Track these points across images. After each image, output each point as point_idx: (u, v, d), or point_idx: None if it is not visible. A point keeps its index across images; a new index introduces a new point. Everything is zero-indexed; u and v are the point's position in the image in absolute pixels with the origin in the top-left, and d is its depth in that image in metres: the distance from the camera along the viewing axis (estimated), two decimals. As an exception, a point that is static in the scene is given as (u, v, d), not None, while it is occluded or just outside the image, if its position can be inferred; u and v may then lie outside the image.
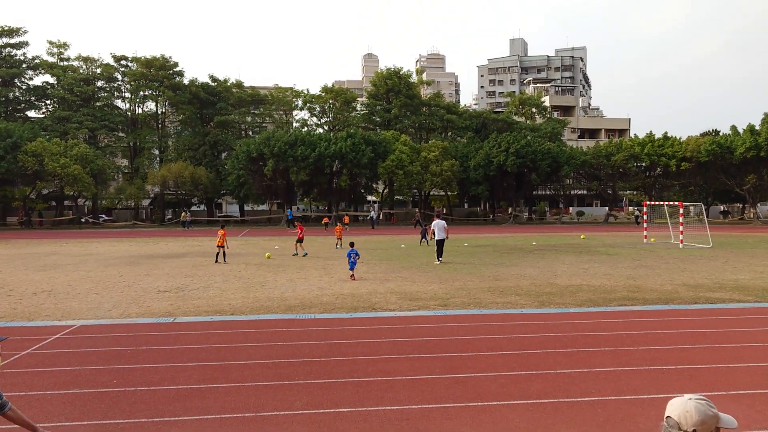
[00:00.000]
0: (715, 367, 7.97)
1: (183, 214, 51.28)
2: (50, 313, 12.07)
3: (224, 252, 21.69)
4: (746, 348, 8.99)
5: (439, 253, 21.24)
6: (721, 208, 69.53)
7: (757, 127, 51.54)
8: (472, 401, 6.70)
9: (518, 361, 8.32)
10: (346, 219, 48.47)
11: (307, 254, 24.33)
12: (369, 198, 68.15)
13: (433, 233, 21.81)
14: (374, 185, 61.07)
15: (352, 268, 16.86)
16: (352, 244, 17.91)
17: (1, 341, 3.58)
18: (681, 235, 28.33)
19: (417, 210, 55.52)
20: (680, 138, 56.96)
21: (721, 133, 59.83)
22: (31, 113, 62.09)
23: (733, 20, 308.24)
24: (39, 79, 62.04)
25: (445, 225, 21.91)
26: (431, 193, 63.33)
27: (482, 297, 13.63)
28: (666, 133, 57.53)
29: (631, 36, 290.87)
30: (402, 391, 7.04)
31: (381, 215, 61.28)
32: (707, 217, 37.06)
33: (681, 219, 29.10)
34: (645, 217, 34.90)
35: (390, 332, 10.19)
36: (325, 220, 48.86)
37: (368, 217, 51.61)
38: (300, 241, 24.56)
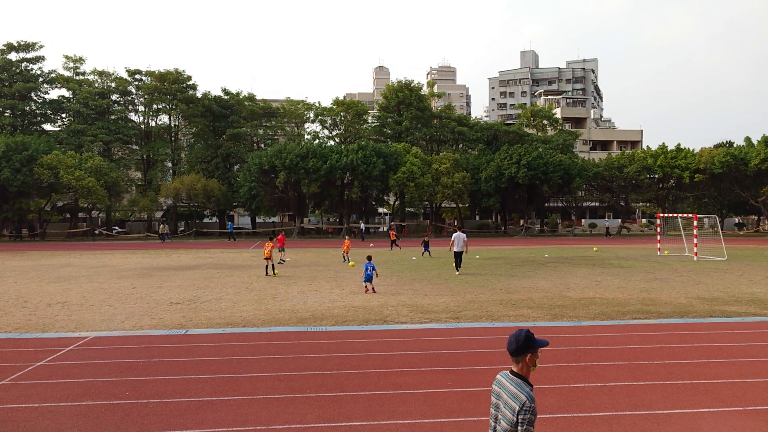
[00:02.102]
0: (731, 382, 7.85)
1: (161, 226, 51.37)
2: (64, 324, 12.16)
3: (272, 264, 21.73)
4: (763, 362, 8.86)
5: (458, 265, 21.39)
6: (736, 220, 68.82)
7: (772, 139, 51.09)
8: (484, 415, 6.65)
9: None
10: (330, 228, 48.93)
11: (283, 262, 26.46)
12: (380, 210, 68.19)
13: (453, 244, 21.73)
14: (385, 197, 61.12)
15: (366, 281, 16.80)
16: (369, 258, 17.88)
17: (543, 346, 3.65)
18: (695, 248, 28.06)
19: (393, 223, 54.83)
20: (693, 149, 56.57)
21: (734, 145, 59.36)
22: (47, 126, 62.93)
23: (747, 31, 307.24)
24: (55, 93, 63.04)
25: (465, 238, 21.87)
26: (442, 205, 63.24)
27: (494, 310, 13.56)
28: (679, 144, 57.17)
29: (642, 47, 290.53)
30: (414, 405, 7.00)
31: (392, 227, 61.19)
32: (721, 229, 36.70)
33: (695, 231, 28.84)
34: (658, 229, 34.65)
35: (401, 345, 10.16)
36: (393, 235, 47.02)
37: (359, 229, 51.73)
38: (282, 249, 27.47)
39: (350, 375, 8.28)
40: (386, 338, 10.73)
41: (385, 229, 64.03)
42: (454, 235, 21.93)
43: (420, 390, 7.58)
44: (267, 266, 21.57)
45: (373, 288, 16.81)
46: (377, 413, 6.74)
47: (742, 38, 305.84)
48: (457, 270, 21.38)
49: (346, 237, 32.22)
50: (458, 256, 21.46)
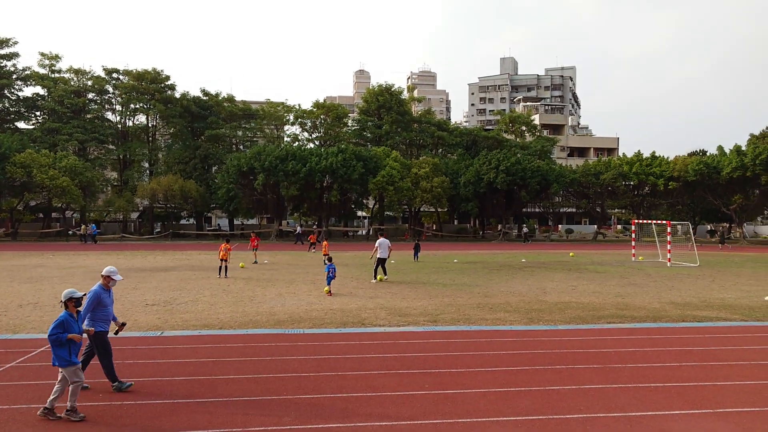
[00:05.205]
0: (702, 385, 8.02)
1: (83, 227, 50.18)
2: (36, 325, 11.94)
3: (226, 266, 21.58)
4: (733, 366, 9.06)
5: (377, 272, 20.46)
6: (708, 227, 70.15)
7: (743, 148, 52.24)
8: (461, 417, 6.69)
9: (507, 377, 8.32)
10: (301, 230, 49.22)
11: (256, 262, 27.45)
12: (359, 213, 68.16)
13: (376, 251, 20.80)
14: (365, 201, 61.14)
15: (329, 283, 16.99)
16: (330, 259, 18.05)
17: None
18: (669, 254, 28.56)
19: (304, 227, 54.15)
20: (668, 157, 57.62)
21: (708, 153, 60.58)
22: (21, 124, 61.70)
23: (718, 43, 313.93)
24: (29, 91, 61.77)
25: (389, 244, 21.13)
26: (421, 210, 63.44)
27: (471, 313, 13.64)
28: (654, 152, 58.19)
29: (619, 56, 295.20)
30: (391, 407, 7.02)
31: (371, 230, 61.27)
32: (694, 236, 37.38)
33: (669, 238, 29.35)
34: (633, 235, 35.19)
35: (379, 348, 10.17)
36: (312, 238, 41.48)
37: (294, 233, 51.90)
38: (255, 249, 29.03)
39: (327, 377, 8.27)
40: (364, 341, 10.73)
41: (363, 232, 64.15)
42: (378, 241, 21.04)
43: (397, 392, 7.60)
44: (221, 267, 21.52)
45: (329, 289, 16.97)
46: (354, 416, 6.75)
47: (715, 50, 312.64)
48: (375, 278, 20.31)
49: (324, 240, 32.17)
50: (381, 262, 20.59)
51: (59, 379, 6.76)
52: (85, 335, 7.27)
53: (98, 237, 52.12)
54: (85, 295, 7.49)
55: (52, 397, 6.64)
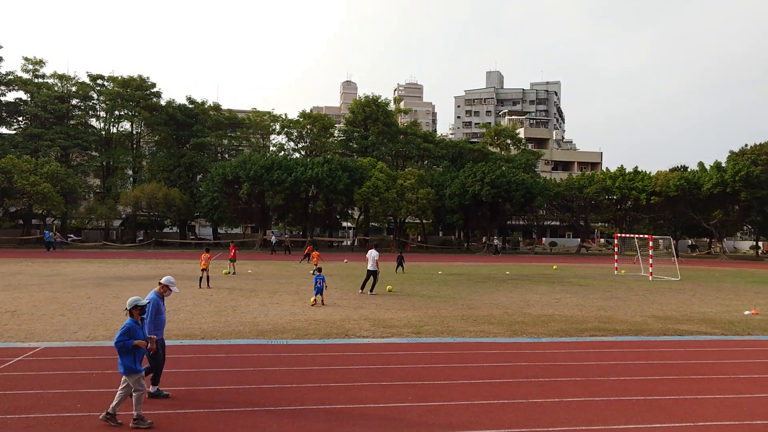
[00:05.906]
0: (683, 399, 8.08)
1: (53, 235, 48.92)
2: (13, 334, 11.73)
3: (208, 276, 21.29)
4: (713, 380, 9.15)
5: (365, 285, 20.07)
6: (689, 242, 71.02)
7: (724, 164, 53.09)
8: (444, 430, 6.68)
9: (490, 390, 8.33)
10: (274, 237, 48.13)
11: (235, 273, 26.67)
12: (345, 224, 68.14)
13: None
14: (350, 211, 61.09)
15: (317, 294, 16.91)
16: (319, 270, 17.94)
17: None
18: (650, 268, 28.84)
19: (286, 236, 54.14)
20: (650, 172, 58.32)
21: (689, 169, 61.47)
22: (2, 129, 60.88)
23: (698, 62, 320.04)
24: (12, 95, 61.00)
25: (377, 255, 20.16)
26: (406, 221, 63.52)
27: (455, 325, 13.65)
28: (636, 167, 58.84)
29: (603, 72, 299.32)
30: (374, 419, 6.99)
31: (356, 241, 61.24)
32: (675, 250, 37.80)
33: (650, 252, 29.65)
34: (616, 249, 35.50)
35: (362, 359, 10.13)
36: (308, 249, 39.90)
37: (271, 241, 51.54)
38: (233, 260, 27.27)
39: (310, 388, 8.22)
40: (347, 352, 10.69)
41: (348, 243, 64.07)
42: (368, 252, 20.53)
43: (380, 404, 7.57)
44: (201, 278, 21.11)
45: (322, 300, 16.92)
46: (337, 428, 6.70)
47: (692, 67, 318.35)
48: (362, 289, 20.00)
49: (315, 250, 32.02)
50: (370, 275, 19.90)
51: (122, 385, 6.81)
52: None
53: (79, 244, 51.34)
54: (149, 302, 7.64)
55: (114, 403, 6.74)
